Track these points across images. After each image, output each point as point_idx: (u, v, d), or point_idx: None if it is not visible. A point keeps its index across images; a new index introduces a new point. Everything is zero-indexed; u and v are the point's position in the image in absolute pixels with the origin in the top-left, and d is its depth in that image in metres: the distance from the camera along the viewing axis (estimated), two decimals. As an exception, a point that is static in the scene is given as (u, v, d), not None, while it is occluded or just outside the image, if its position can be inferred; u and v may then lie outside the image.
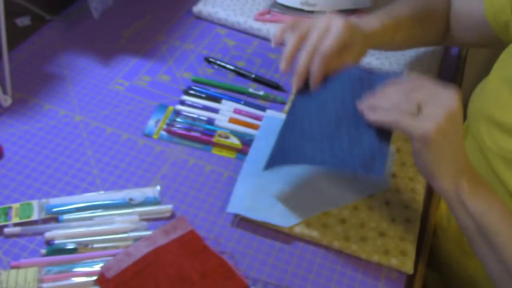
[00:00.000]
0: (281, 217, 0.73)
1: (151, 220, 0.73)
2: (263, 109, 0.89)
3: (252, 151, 0.81)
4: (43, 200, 0.73)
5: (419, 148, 0.61)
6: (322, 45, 0.69)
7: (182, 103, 0.90)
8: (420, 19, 0.84)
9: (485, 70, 0.78)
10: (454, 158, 0.62)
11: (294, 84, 0.73)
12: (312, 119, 0.71)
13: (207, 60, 0.99)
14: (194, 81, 0.94)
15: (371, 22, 0.78)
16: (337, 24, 0.69)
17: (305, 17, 0.71)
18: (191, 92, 0.91)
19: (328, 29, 0.69)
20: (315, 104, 0.72)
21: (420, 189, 0.80)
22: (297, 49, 0.71)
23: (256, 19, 1.05)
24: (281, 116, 0.87)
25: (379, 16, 0.80)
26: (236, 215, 0.74)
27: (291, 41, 0.71)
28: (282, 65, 0.71)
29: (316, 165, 0.69)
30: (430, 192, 0.82)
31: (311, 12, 1.04)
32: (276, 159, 0.72)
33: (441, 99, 0.60)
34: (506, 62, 0.74)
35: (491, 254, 0.63)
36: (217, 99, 0.90)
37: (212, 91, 0.92)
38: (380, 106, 0.64)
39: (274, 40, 0.73)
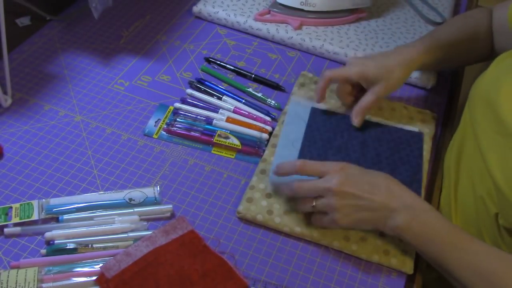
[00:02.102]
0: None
1: (151, 220, 0.73)
2: (262, 110, 0.89)
3: (283, 135, 0.84)
4: (43, 200, 0.73)
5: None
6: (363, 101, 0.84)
7: (184, 101, 0.90)
8: (464, 40, 0.88)
9: (486, 68, 0.77)
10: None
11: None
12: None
13: (207, 60, 0.99)
14: (203, 70, 0.96)
15: (415, 46, 0.86)
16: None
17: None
18: (198, 85, 0.91)
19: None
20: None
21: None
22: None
23: (256, 19, 1.05)
24: (306, 102, 0.90)
25: (423, 39, 0.88)
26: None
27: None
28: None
29: None
30: (430, 193, 0.82)
31: (311, 12, 1.04)
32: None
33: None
34: None
35: (446, 274, 0.67)
36: (219, 94, 0.90)
37: (218, 86, 0.93)
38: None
39: None
